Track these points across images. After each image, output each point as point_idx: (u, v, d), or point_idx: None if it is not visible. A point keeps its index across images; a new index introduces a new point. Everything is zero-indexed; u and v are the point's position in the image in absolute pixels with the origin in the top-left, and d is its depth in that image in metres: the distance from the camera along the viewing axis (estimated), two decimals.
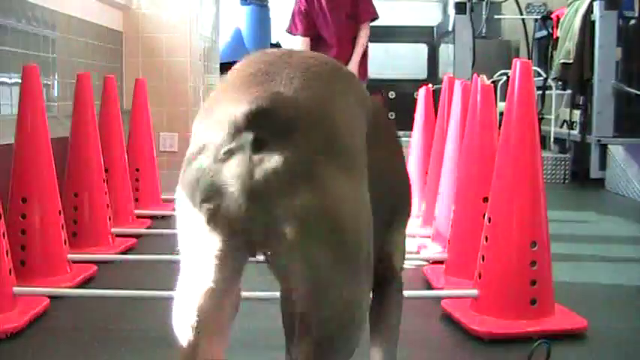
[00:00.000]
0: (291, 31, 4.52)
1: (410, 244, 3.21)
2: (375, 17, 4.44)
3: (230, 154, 0.90)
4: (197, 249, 0.98)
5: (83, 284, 2.49)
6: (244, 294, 2.46)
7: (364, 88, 1.20)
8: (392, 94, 6.95)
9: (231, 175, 0.89)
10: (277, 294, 2.37)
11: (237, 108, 0.89)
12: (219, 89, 1.05)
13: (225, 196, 0.90)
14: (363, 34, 4.38)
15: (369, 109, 1.14)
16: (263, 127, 0.89)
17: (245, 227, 0.92)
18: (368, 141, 1.05)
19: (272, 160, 0.88)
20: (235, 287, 1.03)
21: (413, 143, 3.93)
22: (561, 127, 6.11)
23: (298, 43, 4.44)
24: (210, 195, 0.92)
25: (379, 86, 6.94)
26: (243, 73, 1.01)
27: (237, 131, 0.89)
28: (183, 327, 1.04)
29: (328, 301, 0.93)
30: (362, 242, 0.96)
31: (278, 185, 0.88)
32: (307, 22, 4.40)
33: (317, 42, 4.43)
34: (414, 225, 3.58)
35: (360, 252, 0.96)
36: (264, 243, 0.94)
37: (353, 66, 4.31)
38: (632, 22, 5.79)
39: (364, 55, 4.44)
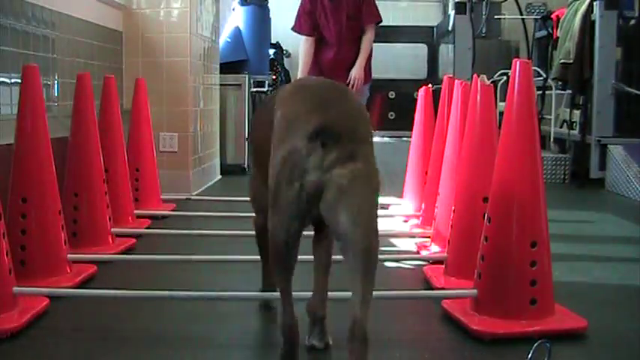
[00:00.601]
0: (296, 29, 4.57)
1: (410, 244, 3.22)
2: (379, 20, 4.45)
3: (310, 152, 1.54)
4: (287, 201, 1.59)
5: (83, 284, 2.49)
6: (243, 294, 2.47)
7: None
8: (392, 94, 6.95)
9: (312, 164, 1.53)
10: (277, 295, 2.37)
11: (310, 126, 1.56)
12: (288, 110, 1.68)
13: (308, 175, 1.54)
14: (368, 37, 4.39)
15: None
16: (326, 136, 1.54)
17: (317, 189, 1.53)
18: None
19: (332, 154, 1.53)
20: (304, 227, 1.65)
21: (413, 143, 3.93)
22: (561, 127, 6.11)
23: (302, 42, 4.51)
24: (300, 174, 1.54)
25: (379, 86, 6.94)
26: (305, 99, 1.70)
27: (311, 139, 1.54)
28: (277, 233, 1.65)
29: (368, 223, 1.52)
30: (378, 188, 1.59)
31: (352, 179, 1.51)
32: (312, 22, 4.45)
33: (319, 41, 4.48)
34: (414, 225, 3.59)
35: (378, 193, 1.58)
36: (325, 195, 1.52)
37: (358, 68, 4.34)
38: (632, 22, 5.80)
39: (368, 57, 4.45)
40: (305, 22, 4.48)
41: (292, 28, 4.61)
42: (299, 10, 4.56)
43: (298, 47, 4.86)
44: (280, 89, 1.91)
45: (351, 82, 4.33)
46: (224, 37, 6.35)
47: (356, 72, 4.33)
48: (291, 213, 1.58)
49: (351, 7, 4.37)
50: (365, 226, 1.49)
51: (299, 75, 4.45)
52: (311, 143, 1.55)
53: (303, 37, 4.51)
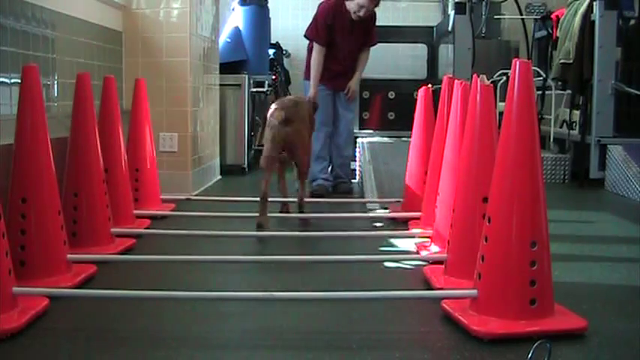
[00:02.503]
0: (311, 37, 4.90)
1: (410, 244, 3.22)
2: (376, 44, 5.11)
3: (278, 125, 3.57)
4: (270, 143, 3.60)
5: (83, 284, 2.49)
6: (243, 294, 2.47)
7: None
8: (392, 94, 6.95)
9: (284, 129, 3.59)
10: (276, 294, 2.37)
11: (280, 113, 3.60)
12: (273, 107, 3.73)
13: (278, 133, 3.57)
14: (365, 57, 5.07)
15: (310, 107, 4.16)
16: (287, 117, 3.60)
17: (283, 141, 3.62)
18: (310, 117, 4.06)
19: (290, 127, 3.61)
20: (278, 157, 3.71)
21: (413, 143, 3.93)
22: (561, 127, 6.11)
23: (316, 52, 4.84)
24: (276, 131, 3.57)
25: (379, 86, 6.94)
26: (279, 104, 3.77)
27: (280, 117, 3.58)
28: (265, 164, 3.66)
29: (305, 161, 3.86)
30: (309, 145, 3.97)
31: (293, 132, 3.63)
32: (329, 36, 4.84)
33: (327, 52, 4.87)
34: (414, 225, 3.59)
35: (309, 147, 3.99)
36: (288, 146, 3.65)
37: (355, 82, 5.01)
38: (632, 22, 5.79)
39: None
40: (324, 34, 4.83)
41: (306, 35, 4.93)
42: (319, 19, 4.86)
43: (298, 48, 4.97)
44: (278, 99, 4.12)
45: (349, 94, 5.00)
46: (224, 38, 6.35)
47: (354, 85, 5.00)
48: (272, 143, 3.54)
49: (363, 32, 4.93)
50: (304, 162, 3.76)
51: (312, 84, 4.84)
52: (283, 120, 3.52)
53: (318, 47, 4.85)
